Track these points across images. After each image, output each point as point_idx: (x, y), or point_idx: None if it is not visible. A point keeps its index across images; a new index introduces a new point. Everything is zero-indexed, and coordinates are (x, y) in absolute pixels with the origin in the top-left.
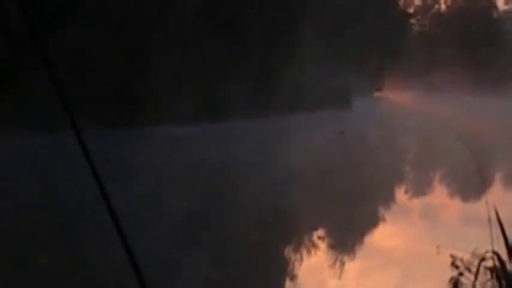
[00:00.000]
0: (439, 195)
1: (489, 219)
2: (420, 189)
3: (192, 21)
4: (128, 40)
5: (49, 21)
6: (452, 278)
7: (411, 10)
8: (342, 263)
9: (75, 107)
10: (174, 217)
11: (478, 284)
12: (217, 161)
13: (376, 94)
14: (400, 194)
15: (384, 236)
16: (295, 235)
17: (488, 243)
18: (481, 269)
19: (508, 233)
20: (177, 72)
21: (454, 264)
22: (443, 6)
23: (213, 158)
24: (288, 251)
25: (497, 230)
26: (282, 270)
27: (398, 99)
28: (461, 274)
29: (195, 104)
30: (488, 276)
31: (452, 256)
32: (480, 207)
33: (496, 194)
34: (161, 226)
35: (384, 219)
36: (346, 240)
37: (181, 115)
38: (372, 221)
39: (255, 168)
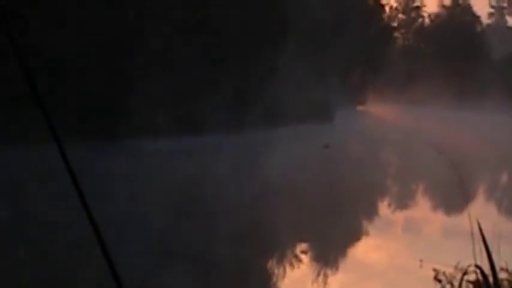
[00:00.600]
0: (422, 208)
1: (472, 233)
2: (403, 202)
3: (174, 36)
4: (109, 54)
5: (30, 31)
6: None
7: (395, 24)
8: (325, 277)
9: (55, 120)
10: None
11: None
12: (192, 173)
13: (359, 108)
14: (383, 208)
15: (367, 249)
16: (278, 249)
17: (471, 256)
18: (464, 283)
19: (490, 247)
20: (158, 87)
21: (436, 278)
22: (426, 20)
23: (188, 170)
24: (271, 265)
25: (480, 244)
26: (266, 284)
27: (381, 112)
28: None
29: (176, 117)
30: None
31: (435, 270)
32: (463, 221)
33: (477, 206)
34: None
35: (367, 233)
36: (330, 253)
37: (162, 128)
38: (356, 235)
39: (233, 182)
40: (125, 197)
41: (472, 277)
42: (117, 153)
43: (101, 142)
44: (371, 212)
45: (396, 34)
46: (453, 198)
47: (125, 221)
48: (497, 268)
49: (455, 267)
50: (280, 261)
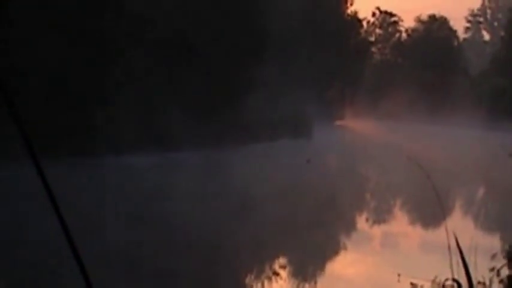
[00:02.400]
0: (399, 222)
1: (449, 247)
2: (381, 216)
3: (145, 54)
4: (84, 70)
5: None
6: None
7: (372, 39)
8: None
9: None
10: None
11: None
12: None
13: (337, 122)
14: (361, 222)
15: (346, 264)
16: (256, 264)
17: (449, 270)
18: None
19: (467, 260)
20: (130, 105)
21: None
22: (404, 35)
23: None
24: (249, 280)
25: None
26: None
27: (359, 127)
28: None
29: (150, 134)
30: None
31: (412, 284)
32: (440, 235)
33: (454, 219)
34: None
35: (345, 247)
36: (308, 268)
37: (135, 146)
38: (334, 249)
39: (212, 197)
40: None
41: None
42: (88, 169)
43: (72, 159)
44: (349, 226)
45: (373, 49)
46: (431, 211)
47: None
48: (475, 282)
49: (433, 281)
50: (259, 276)
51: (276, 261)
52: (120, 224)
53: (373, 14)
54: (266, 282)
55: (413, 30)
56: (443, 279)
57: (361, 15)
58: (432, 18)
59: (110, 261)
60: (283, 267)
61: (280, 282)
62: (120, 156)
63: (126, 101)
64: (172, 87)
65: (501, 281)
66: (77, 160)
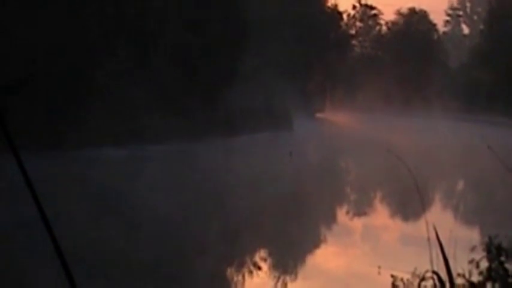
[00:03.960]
0: (380, 215)
1: (428, 239)
2: (361, 208)
3: (131, 49)
4: (68, 66)
5: None
6: None
7: (353, 32)
8: (285, 284)
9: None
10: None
11: None
12: (138, 179)
13: (318, 115)
14: (342, 215)
15: (326, 257)
16: (237, 256)
17: (429, 262)
18: None
19: (447, 252)
20: (116, 97)
21: (394, 285)
22: (384, 28)
23: (133, 176)
24: (230, 272)
25: (437, 250)
26: None
27: (339, 120)
28: None
29: (134, 127)
30: None
31: (392, 276)
32: (420, 227)
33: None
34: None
35: (326, 241)
36: (289, 261)
37: (121, 138)
38: (314, 243)
39: (189, 189)
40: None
41: (429, 283)
42: (61, 161)
43: (54, 151)
44: (330, 219)
45: (354, 42)
46: (411, 203)
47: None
48: (454, 274)
49: (413, 274)
50: (240, 268)
51: (256, 254)
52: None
53: (354, 7)
54: (247, 276)
55: (394, 23)
56: (423, 272)
57: (341, 8)
58: (412, 11)
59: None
60: (264, 259)
61: (261, 275)
62: (99, 149)
63: (106, 95)
64: (151, 81)
65: (480, 273)
66: (55, 153)
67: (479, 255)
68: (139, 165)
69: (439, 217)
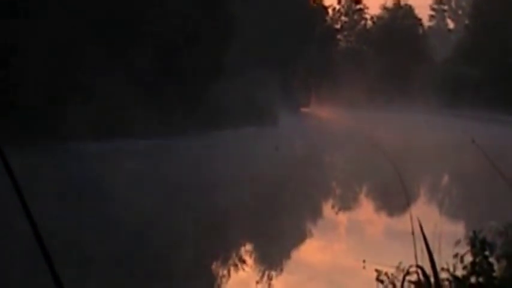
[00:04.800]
0: (365, 209)
1: (413, 233)
2: (345, 202)
3: (116, 42)
4: (54, 60)
5: None
6: None
7: (338, 26)
8: (270, 278)
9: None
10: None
11: None
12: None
13: (303, 110)
14: (327, 208)
15: (311, 251)
16: (222, 250)
17: (413, 257)
18: (406, 283)
19: (431, 247)
20: (101, 91)
21: (378, 279)
22: (369, 22)
23: (119, 169)
24: (215, 266)
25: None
26: (209, 285)
27: (325, 115)
28: None
29: (119, 121)
30: None
31: (377, 270)
32: (405, 221)
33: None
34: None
35: (311, 235)
36: (274, 254)
37: (104, 132)
38: (299, 237)
39: (175, 182)
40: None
41: (414, 277)
42: (56, 154)
43: (43, 144)
44: (316, 213)
45: (339, 36)
46: (396, 197)
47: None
48: (438, 268)
49: (397, 268)
50: (225, 262)
51: (243, 248)
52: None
53: (339, 1)
54: (232, 270)
55: (379, 18)
56: (407, 266)
57: (326, 3)
58: (397, 6)
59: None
60: (249, 252)
61: (246, 269)
62: (83, 143)
63: (91, 91)
64: (135, 77)
65: (464, 267)
66: (37, 147)
67: (464, 249)
68: (119, 159)
69: (424, 211)
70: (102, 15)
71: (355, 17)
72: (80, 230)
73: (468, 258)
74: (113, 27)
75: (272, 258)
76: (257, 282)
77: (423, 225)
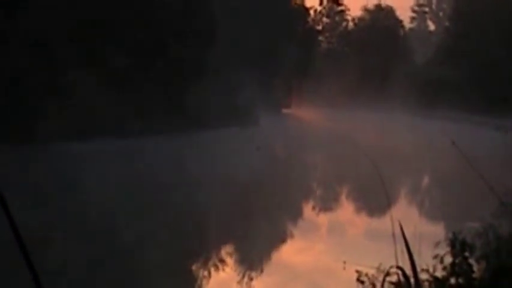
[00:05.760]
0: (345, 210)
1: (393, 234)
2: (326, 203)
3: (101, 38)
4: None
5: None
6: None
7: (319, 27)
8: (250, 279)
9: None
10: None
11: None
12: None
13: (284, 111)
14: (308, 209)
15: (292, 252)
16: (203, 251)
17: (393, 258)
18: (386, 284)
19: (412, 248)
20: (87, 91)
21: (359, 280)
22: (350, 24)
23: (94, 169)
24: (195, 267)
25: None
26: (190, 286)
27: (306, 116)
28: None
29: (103, 121)
30: None
31: (357, 271)
32: (386, 223)
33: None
34: None
35: (292, 236)
36: (255, 255)
37: (89, 132)
38: (281, 238)
39: (152, 183)
40: None
41: (394, 278)
42: (36, 154)
43: (25, 145)
44: (296, 214)
45: (321, 37)
46: (377, 198)
47: None
48: (419, 269)
49: (378, 269)
50: (205, 263)
51: (223, 249)
52: None
53: (320, 3)
54: (212, 271)
55: (360, 19)
56: (387, 267)
57: (308, 4)
58: (378, 7)
59: None
60: (229, 253)
61: (227, 269)
62: (67, 144)
63: (67, 90)
64: (117, 78)
65: (444, 268)
66: (21, 147)
67: (444, 250)
68: (92, 159)
69: (405, 213)
70: (79, 14)
71: (337, 18)
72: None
73: (448, 259)
74: (91, 26)
75: (253, 260)
76: (238, 283)
77: (404, 227)
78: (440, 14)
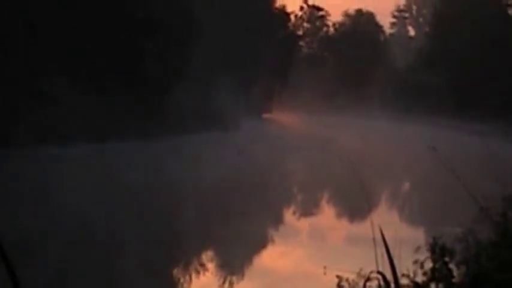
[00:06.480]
0: (326, 215)
1: (373, 239)
2: (307, 209)
3: (77, 43)
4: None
5: None
6: None
7: (300, 32)
8: (231, 284)
9: None
10: None
11: None
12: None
13: (265, 116)
14: (289, 215)
15: (273, 257)
16: (183, 254)
17: (374, 263)
18: None
19: (392, 253)
20: (63, 95)
21: (339, 285)
22: (331, 29)
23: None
24: (176, 272)
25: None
26: None
27: (286, 120)
28: None
29: (80, 126)
30: None
31: (338, 277)
32: (367, 228)
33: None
34: None
35: (273, 241)
36: (236, 260)
37: (66, 137)
38: (262, 243)
39: (133, 187)
40: None
41: (374, 283)
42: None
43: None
44: (277, 219)
45: (301, 43)
46: (356, 202)
47: None
48: (399, 274)
49: (358, 274)
50: (186, 268)
51: (204, 254)
52: None
53: (301, 8)
54: (193, 276)
55: (341, 24)
56: (368, 272)
57: (289, 9)
58: (359, 12)
59: None
60: (211, 258)
61: (208, 274)
62: (48, 147)
63: (59, 92)
64: (93, 81)
65: (425, 273)
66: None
67: (424, 255)
68: (65, 164)
69: (385, 218)
70: (54, 17)
71: (317, 23)
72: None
73: (428, 264)
74: (69, 29)
75: (233, 265)
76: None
77: (384, 232)
78: (420, 19)
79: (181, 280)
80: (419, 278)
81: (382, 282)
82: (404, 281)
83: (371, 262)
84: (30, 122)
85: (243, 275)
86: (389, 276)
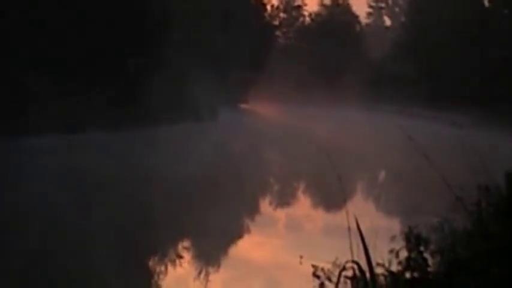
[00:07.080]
0: (302, 205)
1: (349, 229)
2: (284, 199)
3: (54, 35)
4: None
5: None
6: None
7: (276, 22)
8: (207, 274)
9: None
10: None
11: None
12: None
13: (242, 106)
14: (265, 205)
15: (249, 247)
16: (158, 246)
17: (349, 252)
18: (342, 279)
19: (368, 242)
20: (38, 87)
21: (315, 274)
22: (307, 19)
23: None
24: (151, 262)
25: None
26: (146, 282)
27: (263, 111)
28: (322, 284)
29: (53, 116)
30: (349, 285)
31: (313, 266)
32: (343, 218)
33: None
34: None
35: (248, 231)
36: (212, 251)
37: (39, 128)
38: (237, 233)
39: (106, 177)
40: None
41: (349, 273)
42: None
43: None
44: (254, 209)
45: (278, 33)
46: (333, 192)
47: None
48: (374, 263)
49: (334, 263)
50: (162, 258)
51: (179, 245)
52: None
53: None
54: (168, 267)
55: (317, 14)
56: (344, 261)
57: None
58: (335, 3)
59: None
60: (186, 248)
61: (184, 264)
62: (25, 138)
63: (35, 84)
64: (77, 72)
65: (400, 263)
66: None
67: (399, 245)
68: (34, 155)
69: (361, 208)
70: (29, 10)
71: (294, 13)
72: None
73: (404, 254)
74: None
75: (209, 255)
76: (195, 278)
77: (359, 222)
78: (397, 9)
79: (156, 269)
80: (395, 267)
81: (357, 272)
82: (379, 270)
83: (347, 252)
84: (2, 112)
85: (218, 266)
86: (364, 265)
